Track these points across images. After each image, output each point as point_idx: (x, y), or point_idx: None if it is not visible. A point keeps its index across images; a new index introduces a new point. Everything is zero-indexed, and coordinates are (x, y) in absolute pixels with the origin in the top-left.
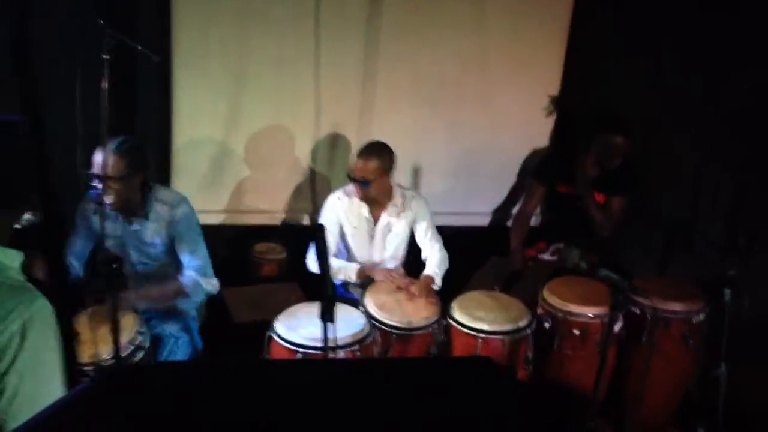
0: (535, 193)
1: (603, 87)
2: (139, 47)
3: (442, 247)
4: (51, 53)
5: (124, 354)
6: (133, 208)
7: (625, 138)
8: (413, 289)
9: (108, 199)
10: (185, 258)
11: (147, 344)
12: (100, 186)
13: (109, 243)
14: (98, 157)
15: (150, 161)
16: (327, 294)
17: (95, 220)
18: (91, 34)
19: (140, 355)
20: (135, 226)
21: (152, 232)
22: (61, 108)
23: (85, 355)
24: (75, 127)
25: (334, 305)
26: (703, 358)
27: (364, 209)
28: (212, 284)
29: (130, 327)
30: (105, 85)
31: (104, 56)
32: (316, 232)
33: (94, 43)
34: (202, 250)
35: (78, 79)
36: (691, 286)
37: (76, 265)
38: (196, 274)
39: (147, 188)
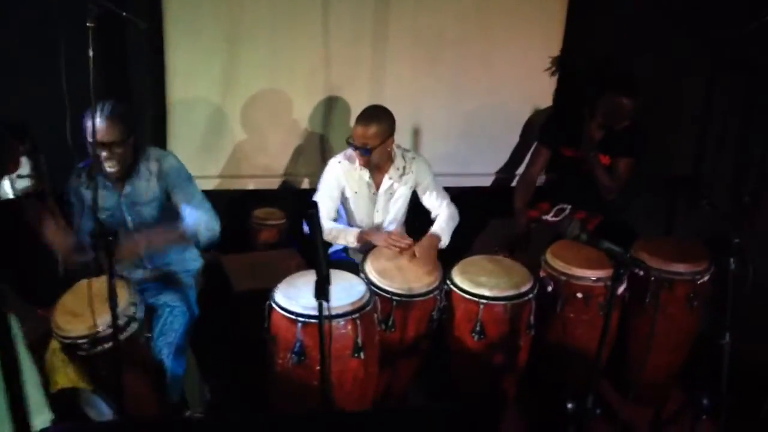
0: (540, 157)
1: (606, 43)
2: (124, 14)
3: (450, 203)
4: (32, 24)
5: (117, 326)
6: (127, 170)
7: (632, 99)
8: (416, 250)
9: (110, 167)
10: (184, 207)
11: (140, 315)
12: (103, 154)
13: (104, 215)
14: (90, 124)
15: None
16: (321, 273)
17: (85, 192)
18: (74, 1)
19: (134, 326)
20: (127, 189)
21: (145, 190)
22: (47, 80)
23: (81, 327)
24: (62, 99)
25: (328, 284)
26: (709, 319)
27: (365, 174)
28: (215, 225)
29: (121, 298)
30: (91, 53)
31: (89, 24)
32: (309, 210)
33: (77, 11)
34: (198, 195)
35: (62, 49)
36: (696, 246)
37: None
38: (195, 213)
39: (139, 148)
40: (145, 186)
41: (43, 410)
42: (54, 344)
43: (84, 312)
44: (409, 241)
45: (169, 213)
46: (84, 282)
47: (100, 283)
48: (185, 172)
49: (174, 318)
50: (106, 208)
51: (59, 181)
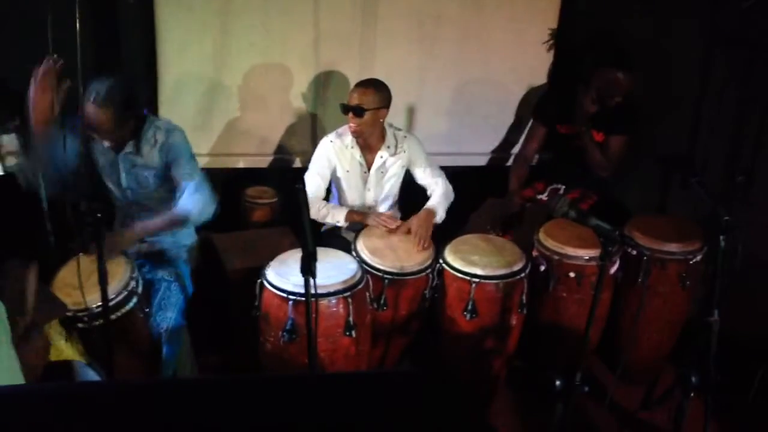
0: (535, 135)
1: (603, 20)
2: None
3: (446, 180)
4: None
5: (118, 299)
6: (128, 138)
7: (627, 74)
8: (412, 224)
9: (104, 141)
10: (183, 185)
11: (140, 290)
12: (95, 134)
13: (103, 160)
14: (87, 108)
15: (139, 97)
16: (307, 249)
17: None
18: None
19: (134, 300)
20: (128, 148)
21: (146, 154)
22: (36, 54)
23: (81, 300)
24: None
25: (315, 260)
26: (701, 298)
27: (357, 152)
28: (210, 209)
29: (123, 272)
30: (78, 27)
31: None
32: (296, 188)
33: None
34: (198, 176)
35: (49, 23)
36: (690, 225)
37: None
38: (191, 195)
39: (141, 121)
40: (147, 151)
41: None
42: None
43: (84, 285)
44: (398, 222)
45: (168, 184)
46: (81, 256)
47: (95, 256)
48: (189, 151)
49: (171, 293)
50: (107, 155)
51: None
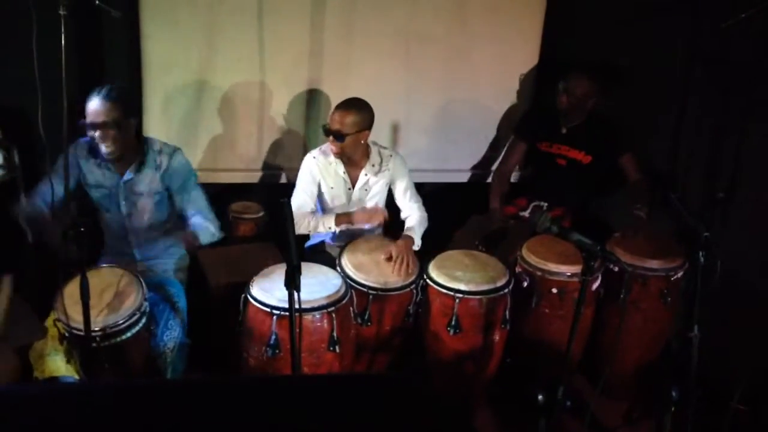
0: (516, 151)
1: (584, 38)
2: (97, 1)
3: (422, 206)
4: (3, 11)
5: (130, 321)
6: (129, 157)
7: (593, 82)
8: (393, 251)
9: (106, 148)
10: (186, 206)
11: (148, 309)
12: (96, 135)
13: (99, 193)
14: (91, 106)
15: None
16: (291, 262)
17: (85, 165)
18: None
19: (143, 321)
20: (128, 176)
21: (147, 182)
22: (18, 69)
23: (97, 320)
24: (34, 89)
25: (299, 273)
26: (682, 314)
27: (340, 168)
28: (216, 227)
29: (137, 293)
30: (63, 42)
31: (61, 12)
32: (280, 203)
33: None
34: (204, 201)
35: (34, 38)
36: (671, 242)
37: (43, 206)
38: (202, 218)
39: (141, 137)
40: (150, 177)
41: None
42: (51, 332)
43: (97, 305)
44: (384, 213)
45: (169, 209)
46: (93, 272)
47: (104, 274)
48: (193, 176)
49: (177, 312)
50: (104, 186)
51: (30, 173)
